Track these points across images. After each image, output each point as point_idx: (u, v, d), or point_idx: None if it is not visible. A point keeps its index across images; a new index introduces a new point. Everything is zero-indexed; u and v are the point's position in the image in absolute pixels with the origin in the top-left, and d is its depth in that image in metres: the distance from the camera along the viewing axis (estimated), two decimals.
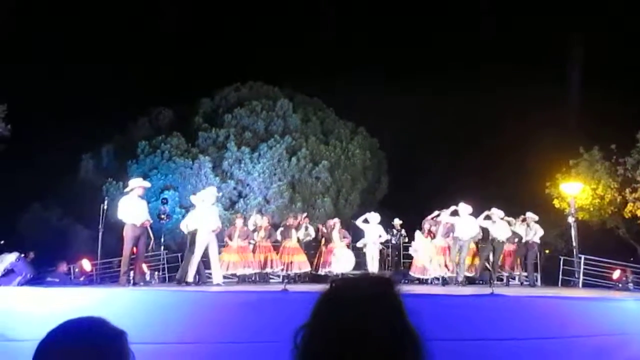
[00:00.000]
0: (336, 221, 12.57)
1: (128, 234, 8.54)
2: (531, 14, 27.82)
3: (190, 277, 9.22)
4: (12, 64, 19.65)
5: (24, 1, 22.28)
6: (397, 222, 13.59)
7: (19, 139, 16.96)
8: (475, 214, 11.13)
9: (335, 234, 12.13)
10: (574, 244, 13.63)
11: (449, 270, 11.21)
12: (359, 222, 12.32)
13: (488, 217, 11.26)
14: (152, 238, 9.24)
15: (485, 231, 11.45)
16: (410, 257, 12.68)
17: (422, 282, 11.98)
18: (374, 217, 12.19)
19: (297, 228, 12.01)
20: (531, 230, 11.82)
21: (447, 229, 11.31)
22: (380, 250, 12.73)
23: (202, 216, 9.46)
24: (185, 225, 10.11)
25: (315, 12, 30.82)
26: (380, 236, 12.22)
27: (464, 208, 11.00)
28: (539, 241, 12.06)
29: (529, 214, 11.98)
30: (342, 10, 29.65)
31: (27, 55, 23.00)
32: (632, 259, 17.81)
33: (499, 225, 11.27)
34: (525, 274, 11.92)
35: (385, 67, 27.55)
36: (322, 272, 11.99)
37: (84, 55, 24.06)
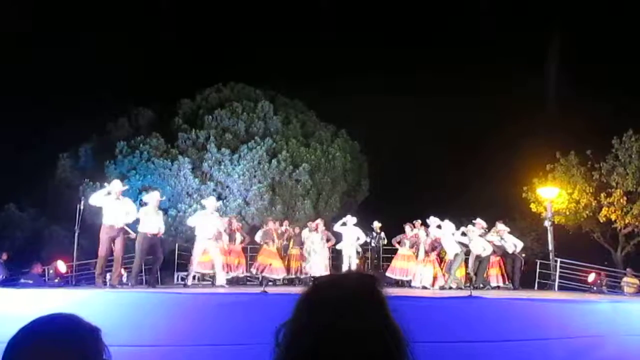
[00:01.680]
0: (319, 222, 12.59)
1: (103, 235, 8.54)
2: (505, 17, 28.22)
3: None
4: None
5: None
6: (376, 224, 13.63)
7: None
8: (453, 220, 11.25)
9: (318, 236, 12.10)
10: (550, 247, 13.85)
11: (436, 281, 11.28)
12: (336, 227, 12.61)
13: (464, 234, 11.31)
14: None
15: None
16: (390, 260, 12.79)
17: (400, 284, 12.06)
18: (350, 219, 12.52)
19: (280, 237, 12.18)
20: (506, 242, 11.87)
21: (432, 244, 11.37)
22: (359, 252, 12.93)
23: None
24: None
25: (298, 14, 30.83)
26: (358, 238, 12.42)
27: (446, 225, 11.10)
28: (520, 252, 12.15)
29: (500, 226, 12.04)
30: (325, 12, 29.69)
31: (5, 52, 22.56)
32: (606, 262, 18.18)
33: (476, 241, 11.29)
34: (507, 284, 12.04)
35: (366, 71, 27.70)
36: (301, 275, 12.09)
37: (62, 53, 23.67)
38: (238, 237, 11.70)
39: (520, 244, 12.00)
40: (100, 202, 8.73)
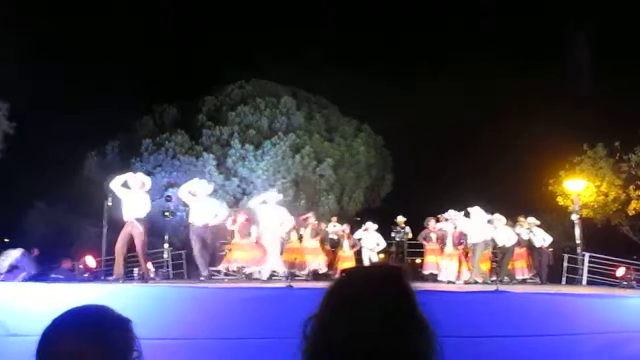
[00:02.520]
0: (309, 216, 12.26)
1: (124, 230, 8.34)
2: (535, 7, 27.67)
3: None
4: (16, 62, 19.70)
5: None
6: (400, 219, 13.59)
7: (23, 137, 17.04)
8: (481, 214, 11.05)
9: (307, 232, 11.87)
10: (578, 241, 13.59)
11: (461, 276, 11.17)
12: (357, 234, 12.91)
13: (490, 222, 11.13)
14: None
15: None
16: (414, 255, 12.78)
17: (426, 279, 12.00)
18: (371, 226, 12.93)
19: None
20: (535, 235, 11.76)
21: (459, 237, 11.24)
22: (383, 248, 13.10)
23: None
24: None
25: (317, 10, 30.79)
26: (378, 244, 12.83)
27: (476, 212, 10.81)
28: (548, 247, 12.02)
29: (530, 219, 11.94)
30: (344, 8, 29.61)
31: (31, 53, 23.03)
32: (635, 256, 17.76)
33: (502, 231, 11.15)
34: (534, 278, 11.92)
35: (388, 64, 27.51)
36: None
37: (88, 53, 24.09)
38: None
39: (549, 239, 11.85)
40: (120, 192, 8.45)
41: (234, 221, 10.28)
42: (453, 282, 10.90)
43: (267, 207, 9.79)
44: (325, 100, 22.98)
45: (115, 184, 8.42)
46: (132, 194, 8.44)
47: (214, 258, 9.88)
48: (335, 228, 13.16)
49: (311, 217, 12.04)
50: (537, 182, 19.96)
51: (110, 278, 8.56)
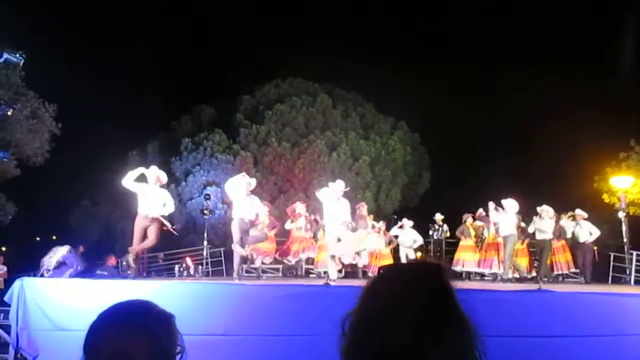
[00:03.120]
0: (363, 204, 11.67)
1: (136, 225, 8.27)
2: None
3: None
4: (62, 64, 20.40)
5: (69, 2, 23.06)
6: (438, 217, 13.43)
7: (69, 137, 17.61)
8: (522, 210, 10.81)
9: (301, 222, 11.51)
10: (625, 239, 13.12)
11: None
12: (393, 231, 12.86)
13: (537, 214, 10.97)
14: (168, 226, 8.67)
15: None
16: (453, 253, 12.59)
17: (460, 276, 11.87)
18: (407, 222, 12.88)
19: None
20: (582, 228, 11.43)
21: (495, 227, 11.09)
22: (421, 246, 13.04)
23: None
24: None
25: (351, 6, 30.69)
26: (415, 241, 12.80)
27: (509, 203, 10.59)
28: (592, 243, 11.67)
29: (578, 211, 11.62)
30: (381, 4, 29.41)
31: (77, 55, 23.80)
32: None
33: (544, 222, 10.91)
34: (576, 271, 11.63)
35: (428, 63, 27.16)
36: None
37: (129, 55, 24.72)
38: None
39: (596, 232, 11.46)
40: (134, 187, 8.20)
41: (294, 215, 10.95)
42: (485, 275, 10.86)
43: (334, 199, 8.98)
44: (361, 98, 22.90)
45: (127, 180, 8.14)
46: (148, 189, 8.26)
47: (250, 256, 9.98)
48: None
49: (364, 208, 11.34)
50: (582, 179, 19.38)
51: (129, 274, 8.50)
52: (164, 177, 8.65)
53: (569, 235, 11.51)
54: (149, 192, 8.23)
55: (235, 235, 8.63)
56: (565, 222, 11.44)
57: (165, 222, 8.47)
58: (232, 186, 9.06)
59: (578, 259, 11.47)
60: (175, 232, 9.37)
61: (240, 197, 8.85)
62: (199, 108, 22.28)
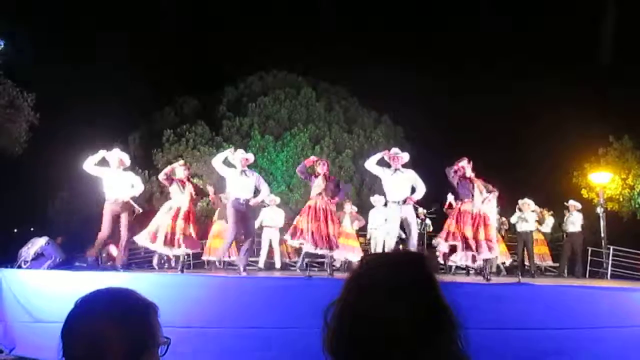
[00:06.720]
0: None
1: (105, 212, 8.07)
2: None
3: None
4: (40, 55, 20.01)
5: None
6: (421, 210, 13.45)
7: (48, 127, 17.30)
8: (502, 203, 10.96)
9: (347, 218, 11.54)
10: (602, 234, 13.36)
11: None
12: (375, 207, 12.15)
13: (519, 209, 11.39)
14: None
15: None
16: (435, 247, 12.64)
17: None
18: (378, 199, 11.90)
19: None
20: (574, 218, 11.91)
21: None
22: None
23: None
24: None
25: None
26: (386, 220, 12.03)
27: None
28: (580, 230, 11.98)
29: (572, 202, 12.16)
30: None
31: (55, 45, 23.37)
32: None
33: (526, 214, 11.18)
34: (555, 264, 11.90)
35: (412, 56, 27.24)
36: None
37: (110, 44, 24.34)
38: None
39: (579, 223, 11.88)
40: (96, 172, 7.96)
41: None
42: (463, 268, 10.91)
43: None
44: (345, 91, 22.89)
45: (88, 164, 7.88)
46: (111, 173, 8.04)
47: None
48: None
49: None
50: (561, 174, 19.62)
51: (108, 265, 8.32)
52: (126, 159, 8.41)
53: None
54: (113, 176, 8.02)
55: (230, 217, 7.80)
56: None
57: (135, 205, 8.30)
58: (220, 160, 8.33)
59: (567, 250, 11.87)
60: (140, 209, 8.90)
61: (236, 173, 8.11)
62: (182, 99, 22.08)
